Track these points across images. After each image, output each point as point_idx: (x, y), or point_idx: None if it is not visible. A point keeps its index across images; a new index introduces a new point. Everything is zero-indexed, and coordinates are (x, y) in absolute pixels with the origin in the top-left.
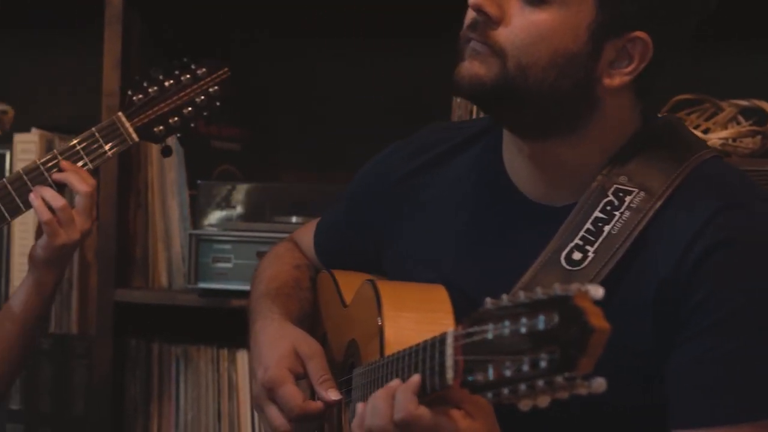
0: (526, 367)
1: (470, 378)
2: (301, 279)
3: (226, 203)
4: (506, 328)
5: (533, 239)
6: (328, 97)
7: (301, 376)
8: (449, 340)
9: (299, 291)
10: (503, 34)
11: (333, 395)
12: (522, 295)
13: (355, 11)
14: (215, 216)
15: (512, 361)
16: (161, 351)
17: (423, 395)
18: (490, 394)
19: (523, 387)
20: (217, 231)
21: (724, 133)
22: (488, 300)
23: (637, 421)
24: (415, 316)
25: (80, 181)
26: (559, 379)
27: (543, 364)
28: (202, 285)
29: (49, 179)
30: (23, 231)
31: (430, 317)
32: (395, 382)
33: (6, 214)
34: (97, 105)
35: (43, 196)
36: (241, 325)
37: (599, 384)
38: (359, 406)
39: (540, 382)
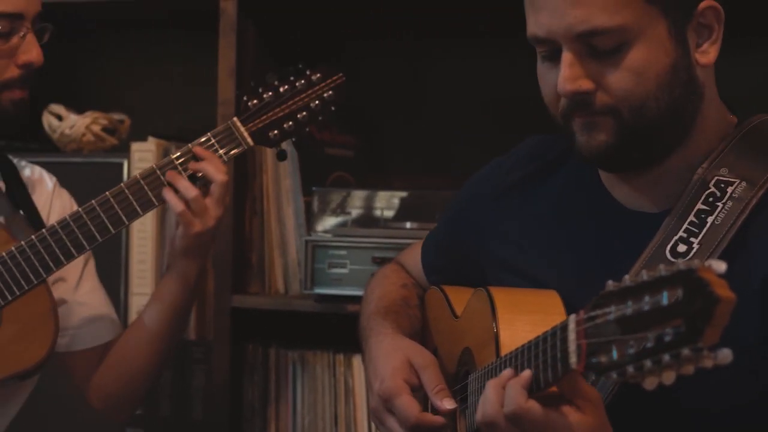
0: (650, 344)
1: (594, 360)
2: (409, 297)
3: (341, 209)
4: (629, 308)
5: (631, 247)
6: (437, 100)
7: (417, 387)
8: (571, 326)
9: (408, 308)
10: (605, 96)
11: (448, 404)
12: (644, 274)
13: (466, 12)
14: (330, 222)
15: (636, 340)
16: (278, 356)
17: (537, 388)
18: (614, 374)
19: (648, 363)
20: (332, 237)
21: None
22: (610, 282)
23: (745, 416)
24: (529, 319)
25: (216, 171)
26: (686, 351)
27: (668, 338)
28: (318, 290)
29: (180, 169)
30: (141, 239)
31: (545, 319)
32: (507, 372)
33: (138, 209)
34: (212, 113)
35: (177, 186)
36: (357, 330)
37: (725, 355)
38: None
39: (666, 357)
